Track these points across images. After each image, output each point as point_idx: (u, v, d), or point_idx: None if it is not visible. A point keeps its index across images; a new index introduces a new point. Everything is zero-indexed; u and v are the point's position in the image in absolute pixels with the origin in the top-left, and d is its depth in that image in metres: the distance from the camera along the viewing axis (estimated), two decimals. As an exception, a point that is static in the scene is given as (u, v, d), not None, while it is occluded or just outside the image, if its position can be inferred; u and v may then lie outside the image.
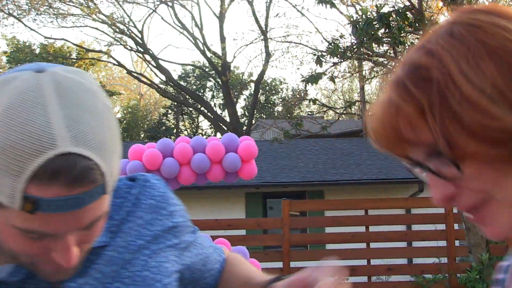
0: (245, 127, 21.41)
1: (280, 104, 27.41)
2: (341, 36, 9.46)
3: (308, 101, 14.42)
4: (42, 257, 0.93)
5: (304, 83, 9.74)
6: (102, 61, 24.11)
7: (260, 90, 24.45)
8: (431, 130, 0.69)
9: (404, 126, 0.72)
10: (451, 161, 0.70)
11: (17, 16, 20.70)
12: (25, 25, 21.24)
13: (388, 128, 0.74)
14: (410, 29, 8.80)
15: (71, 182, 0.81)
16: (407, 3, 8.79)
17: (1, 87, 0.82)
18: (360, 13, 9.07)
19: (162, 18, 34.49)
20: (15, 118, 0.78)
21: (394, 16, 8.58)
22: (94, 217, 0.93)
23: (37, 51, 24.52)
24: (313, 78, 9.56)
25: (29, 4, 19.65)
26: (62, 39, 22.60)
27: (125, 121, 27.69)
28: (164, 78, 22.78)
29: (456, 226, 8.69)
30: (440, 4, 9.25)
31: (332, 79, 10.27)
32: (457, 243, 8.81)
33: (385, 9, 8.95)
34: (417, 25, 8.67)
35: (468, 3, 8.26)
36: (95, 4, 19.71)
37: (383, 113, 0.74)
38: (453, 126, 0.67)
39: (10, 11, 20.33)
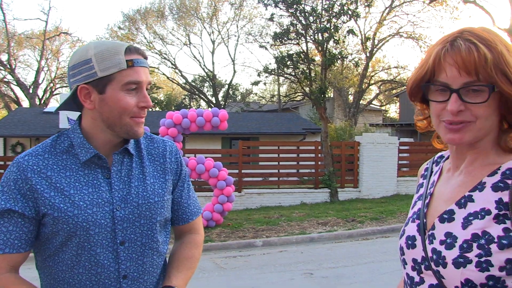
0: (222, 107, 32.36)
1: (239, 95, 38.07)
2: (270, 64, 17.71)
3: (253, 93, 24.48)
4: (136, 109, 1.56)
5: (252, 85, 18.28)
6: (155, 72, 38.33)
7: (230, 88, 38.50)
8: (489, 73, 1.09)
9: (479, 62, 1.12)
10: (488, 93, 1.11)
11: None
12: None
13: (468, 61, 1.12)
14: (302, 61, 16.64)
15: (141, 53, 1.56)
16: (301, 49, 16.71)
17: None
18: (278, 53, 17.05)
19: (185, 52, 48.23)
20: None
21: (295, 55, 16.45)
22: (149, 79, 1.58)
23: None
24: (256, 83, 18.08)
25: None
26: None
27: (165, 102, 45.05)
28: (184, 81, 39.91)
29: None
30: (315, 50, 17.30)
31: (264, 84, 18.82)
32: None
33: (291, 52, 16.65)
34: (304, 60, 16.54)
35: (334, 57, 16.14)
36: (152, 45, 35.39)
37: (467, 53, 1.13)
38: (503, 78, 1.11)
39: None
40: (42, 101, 41.97)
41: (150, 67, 40.38)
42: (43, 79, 42.98)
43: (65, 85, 44.14)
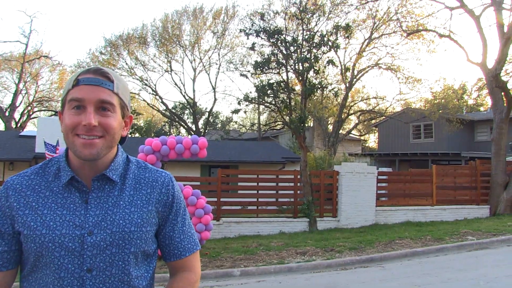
0: (202, 134, 32.69)
1: (219, 123, 38.23)
2: (250, 93, 17.75)
3: (233, 122, 24.43)
4: (80, 127, 1.51)
5: (232, 113, 18.30)
6: (136, 98, 39.30)
7: (210, 116, 39.06)
8: None
9: None
10: None
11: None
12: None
13: None
14: (282, 91, 16.79)
15: (95, 72, 1.55)
16: (281, 78, 16.91)
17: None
18: (259, 82, 17.14)
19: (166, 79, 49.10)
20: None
21: (275, 84, 16.61)
22: (105, 99, 1.53)
23: None
24: (236, 111, 18.11)
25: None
26: None
27: (144, 128, 44.76)
28: (165, 108, 40.04)
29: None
30: (296, 80, 17.50)
31: (245, 112, 18.87)
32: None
33: (271, 81, 16.80)
34: (285, 89, 16.68)
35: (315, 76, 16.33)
36: (133, 71, 36.14)
37: None
38: None
39: None
40: (19, 125, 41.51)
41: (131, 93, 40.99)
42: (21, 102, 42.63)
43: (43, 109, 43.77)
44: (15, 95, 40.43)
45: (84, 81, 1.54)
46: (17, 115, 42.58)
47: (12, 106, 40.12)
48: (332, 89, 20.02)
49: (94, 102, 1.54)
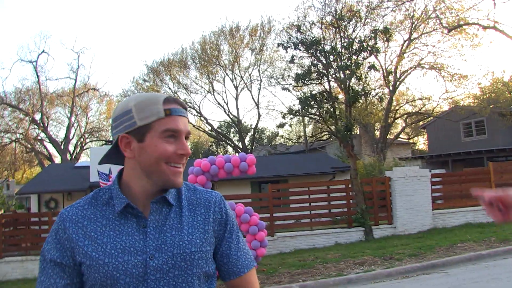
0: (249, 151, 33.12)
1: (265, 139, 38.23)
2: (294, 105, 17.73)
3: (279, 136, 24.38)
4: (173, 156, 1.57)
5: (277, 127, 18.28)
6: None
7: (256, 133, 39.87)
8: None
9: None
10: None
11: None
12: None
13: None
14: (325, 101, 16.72)
15: (180, 103, 1.62)
16: (324, 88, 16.84)
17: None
18: (301, 94, 17.17)
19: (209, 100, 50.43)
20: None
21: (318, 95, 16.62)
22: (188, 129, 1.64)
23: None
24: (281, 125, 18.09)
25: None
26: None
27: (192, 149, 43.59)
28: (210, 128, 41.41)
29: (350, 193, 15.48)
30: (338, 89, 17.37)
31: (290, 125, 18.82)
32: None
33: (314, 92, 16.82)
34: (328, 99, 16.62)
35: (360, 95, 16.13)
36: (176, 94, 36.63)
37: None
38: None
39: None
40: (73, 156, 43.03)
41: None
42: (74, 134, 44.27)
43: (94, 139, 45.15)
44: (68, 128, 42.05)
45: (176, 112, 1.60)
46: (71, 148, 44.19)
47: (66, 139, 41.72)
48: (376, 94, 19.75)
49: (185, 132, 1.63)
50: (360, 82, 16.32)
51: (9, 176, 45.78)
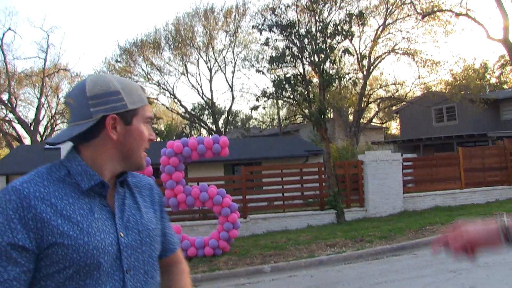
0: (222, 134, 32.99)
1: (239, 121, 38.55)
2: (268, 88, 17.67)
3: (253, 118, 24.47)
4: (147, 141, 1.65)
5: (251, 110, 18.24)
6: (155, 102, 40.08)
7: (229, 115, 40.00)
8: None
9: None
10: None
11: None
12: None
13: None
14: (300, 84, 16.68)
15: (144, 89, 1.70)
16: (298, 72, 16.82)
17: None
18: (275, 77, 17.11)
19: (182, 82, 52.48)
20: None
21: (292, 78, 16.54)
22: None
23: None
24: (255, 107, 18.05)
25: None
26: None
27: (165, 131, 46.54)
28: (184, 110, 41.08)
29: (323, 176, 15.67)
30: (312, 72, 17.34)
31: (264, 108, 18.80)
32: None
33: (288, 75, 16.76)
34: (302, 82, 16.60)
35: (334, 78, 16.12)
36: (149, 76, 37.77)
37: None
38: None
39: None
40: (44, 138, 42.21)
41: (149, 97, 41.46)
42: (44, 115, 43.36)
43: (65, 120, 44.45)
44: (38, 109, 41.17)
45: (148, 100, 1.71)
46: (41, 129, 43.37)
47: (36, 120, 40.87)
48: (350, 78, 19.83)
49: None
50: (334, 66, 16.34)
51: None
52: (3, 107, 40.32)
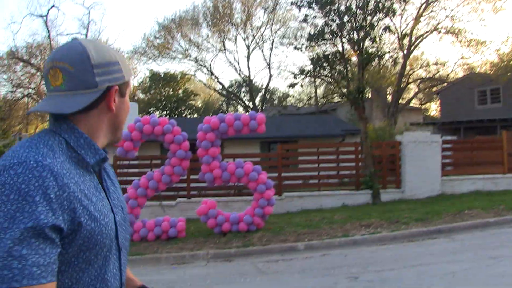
0: (259, 111, 33.64)
1: (276, 99, 38.36)
2: (305, 66, 17.49)
3: (290, 96, 24.23)
4: (125, 114, 1.58)
5: (288, 87, 18.12)
6: (192, 79, 42.36)
7: (266, 92, 40.20)
8: None
9: None
10: None
11: (153, 58, 38.69)
12: (157, 63, 40.27)
13: None
14: (338, 62, 16.49)
15: None
16: (337, 49, 16.57)
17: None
18: (314, 55, 16.93)
19: (220, 59, 55.47)
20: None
21: (331, 56, 16.37)
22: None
23: (162, 75, 41.87)
24: (293, 85, 17.91)
25: (158, 54, 38.33)
26: (173, 69, 38.28)
27: (203, 108, 46.82)
28: (221, 87, 42.24)
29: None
30: (351, 50, 17.05)
31: (301, 86, 18.66)
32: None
33: (327, 53, 16.52)
34: (341, 60, 16.38)
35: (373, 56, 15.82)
36: (187, 52, 38.30)
37: None
38: None
39: (150, 57, 38.52)
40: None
41: (187, 74, 42.01)
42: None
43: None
44: (83, 84, 42.48)
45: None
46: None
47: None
48: (390, 57, 19.44)
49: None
50: (374, 44, 16.01)
51: (22, 130, 46.10)
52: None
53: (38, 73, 39.97)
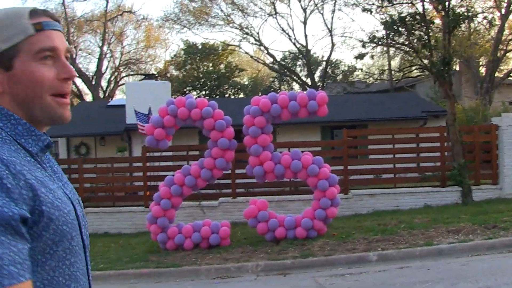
0: (319, 88, 32.88)
1: (340, 74, 38.14)
2: (377, 32, 17.25)
3: (358, 70, 23.90)
4: (56, 82, 1.52)
5: (356, 59, 17.93)
6: (236, 51, 42.58)
7: (328, 66, 40.09)
8: None
9: None
10: None
11: (188, 27, 39.18)
12: (193, 32, 38.18)
13: None
14: (418, 26, 16.13)
15: (51, 16, 1.56)
16: (416, 10, 16.17)
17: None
18: (387, 17, 16.65)
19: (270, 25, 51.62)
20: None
21: (408, 18, 16.05)
22: (68, 47, 1.59)
23: (200, 47, 41.70)
24: (361, 56, 17.71)
25: (195, 20, 38.69)
26: (213, 39, 37.80)
27: (249, 86, 47.27)
28: (272, 60, 41.68)
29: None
30: (434, 11, 16.64)
31: (371, 57, 18.39)
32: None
33: (403, 14, 16.19)
34: (421, 23, 16.04)
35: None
36: (230, 18, 38.29)
37: None
38: None
39: (185, 25, 39.23)
40: (107, 93, 43.82)
41: (230, 45, 41.97)
42: (107, 67, 44.81)
43: (131, 73, 45.79)
44: (100, 60, 42.66)
45: (50, 25, 1.52)
46: (104, 83, 44.93)
47: (98, 73, 42.42)
48: (484, 18, 18.93)
49: (64, 51, 1.56)
50: (463, 3, 15.66)
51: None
52: (61, 58, 42.33)
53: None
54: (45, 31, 1.51)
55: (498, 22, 27.02)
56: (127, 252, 11.31)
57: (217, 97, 40.22)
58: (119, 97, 44.08)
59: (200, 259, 9.90)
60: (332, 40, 37.93)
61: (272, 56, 40.30)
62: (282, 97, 10.33)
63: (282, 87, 48.35)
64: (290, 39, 39.25)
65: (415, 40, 16.12)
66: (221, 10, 38.57)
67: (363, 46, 17.02)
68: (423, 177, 15.30)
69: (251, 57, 42.41)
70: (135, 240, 12.73)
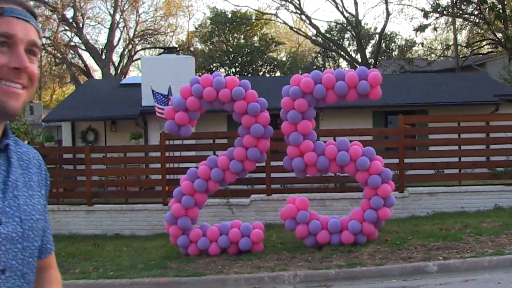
0: (371, 66, 33.41)
1: (396, 50, 37.80)
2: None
3: (417, 45, 23.66)
4: (4, 69, 1.59)
5: (415, 32, 17.76)
6: (272, 20, 41.91)
7: (382, 40, 40.12)
8: None
9: None
10: None
11: None
12: None
13: None
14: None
15: (23, 5, 1.67)
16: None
17: None
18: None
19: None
20: None
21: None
22: (36, 41, 1.70)
23: (229, 15, 41.46)
24: (422, 28, 17.54)
25: None
26: (245, 6, 36.91)
27: (288, 63, 47.08)
28: (315, 32, 41.44)
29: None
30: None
31: (434, 29, 18.18)
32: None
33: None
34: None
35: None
36: None
37: None
38: None
39: None
40: (119, 70, 43.73)
41: (265, 13, 41.71)
42: (119, 39, 44.61)
43: (148, 46, 45.58)
44: (111, 30, 42.40)
45: (11, 12, 1.63)
46: (115, 58, 44.79)
47: (109, 46, 42.14)
48: None
49: (26, 42, 1.65)
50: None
51: (34, 97, 47.71)
52: (67, 28, 41.84)
53: (55, 16, 40.37)
54: (5, 17, 1.62)
55: None
56: (142, 257, 11.41)
57: (250, 75, 40.21)
58: (133, 74, 44.24)
59: (227, 267, 9.92)
60: (387, 8, 37.64)
61: (315, 27, 40.22)
62: (327, 76, 10.28)
63: (327, 64, 48.18)
64: (337, 7, 39.16)
65: (487, 10, 15.94)
66: (255, -28, 38.59)
67: (425, 16, 16.82)
68: (493, 173, 15.13)
69: (290, 28, 42.34)
70: (151, 244, 12.86)
